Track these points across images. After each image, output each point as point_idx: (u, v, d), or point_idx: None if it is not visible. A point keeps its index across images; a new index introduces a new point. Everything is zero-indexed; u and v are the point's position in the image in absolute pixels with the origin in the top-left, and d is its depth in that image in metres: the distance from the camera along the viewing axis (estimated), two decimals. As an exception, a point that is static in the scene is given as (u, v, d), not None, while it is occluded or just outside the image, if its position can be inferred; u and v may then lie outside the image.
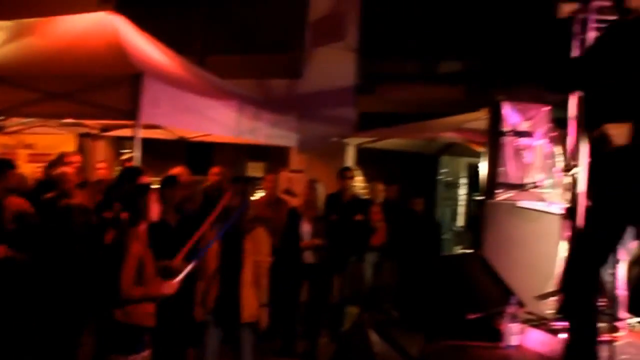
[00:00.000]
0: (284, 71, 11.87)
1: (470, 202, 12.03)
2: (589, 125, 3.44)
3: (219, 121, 7.83)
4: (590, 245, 3.36)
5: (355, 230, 7.95)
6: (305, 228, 7.66)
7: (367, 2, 11.54)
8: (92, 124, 9.44)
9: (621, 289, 5.19)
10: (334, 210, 7.90)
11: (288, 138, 9.77)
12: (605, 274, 5.20)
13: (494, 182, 6.02)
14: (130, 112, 6.43)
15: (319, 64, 11.54)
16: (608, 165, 3.23)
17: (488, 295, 5.52)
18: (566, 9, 3.36)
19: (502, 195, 6.07)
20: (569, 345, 3.47)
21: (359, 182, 9.18)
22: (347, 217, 7.93)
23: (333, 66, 11.39)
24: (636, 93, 3.17)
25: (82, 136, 10.44)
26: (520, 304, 5.15)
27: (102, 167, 8.97)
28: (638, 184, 3.15)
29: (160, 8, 12.10)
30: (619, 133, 3.05)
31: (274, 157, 11.28)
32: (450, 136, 8.64)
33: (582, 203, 4.16)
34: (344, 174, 8.32)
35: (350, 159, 10.69)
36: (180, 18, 12.37)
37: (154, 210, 4.82)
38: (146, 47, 7.77)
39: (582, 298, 3.35)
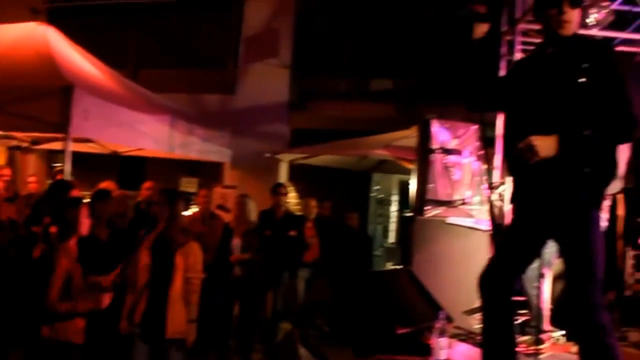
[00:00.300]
0: (218, 86, 11.87)
1: (401, 218, 12.20)
2: (509, 139, 3.56)
3: (151, 135, 7.77)
4: (510, 253, 3.46)
5: (289, 246, 7.99)
6: (236, 242, 7.66)
7: (301, 19, 11.66)
8: (22, 137, 9.19)
9: (545, 303, 5.38)
10: (268, 226, 7.93)
11: (221, 153, 9.77)
12: (530, 288, 5.40)
13: (423, 198, 6.14)
14: (61, 125, 6.33)
15: (253, 80, 11.59)
16: (532, 177, 3.35)
17: (417, 311, 5.62)
18: (479, 29, 3.49)
19: (431, 212, 6.20)
20: (483, 347, 3.56)
21: (292, 198, 9.22)
22: (280, 233, 7.96)
23: (266, 82, 11.45)
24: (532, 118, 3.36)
25: (12, 149, 10.17)
26: (449, 319, 5.26)
27: (33, 181, 8.77)
28: (563, 196, 3.27)
29: (93, 20, 11.96)
30: (544, 144, 3.16)
31: (207, 172, 11.22)
32: (381, 153, 8.77)
33: (508, 217, 4.31)
34: (277, 190, 8.36)
35: (283, 175, 10.74)
36: (113, 31, 12.24)
37: (84, 225, 4.76)
38: (78, 60, 7.66)
39: (497, 304, 3.43)
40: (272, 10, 11.70)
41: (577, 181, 3.22)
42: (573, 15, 3.33)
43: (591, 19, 6.71)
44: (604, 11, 6.64)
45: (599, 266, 3.22)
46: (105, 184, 7.35)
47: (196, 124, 8.91)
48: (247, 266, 7.63)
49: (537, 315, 5.33)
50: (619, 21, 7.17)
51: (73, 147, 6.57)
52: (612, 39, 6.70)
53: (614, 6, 6.78)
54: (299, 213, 9.01)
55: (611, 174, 3.31)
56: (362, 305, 5.67)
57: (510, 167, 3.61)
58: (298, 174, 10.99)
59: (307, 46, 11.63)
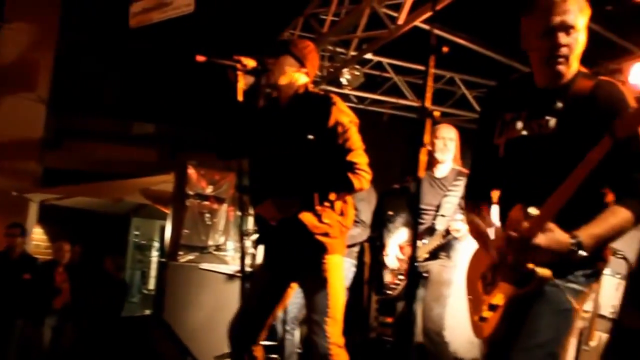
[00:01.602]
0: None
1: (158, 264, 12.00)
2: (252, 189, 3.67)
3: None
4: (255, 299, 3.52)
5: (26, 290, 7.44)
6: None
7: (64, 55, 11.18)
8: None
9: (296, 347, 5.54)
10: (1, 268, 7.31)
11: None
12: (284, 331, 5.54)
13: (177, 244, 6.13)
14: None
15: (3, 111, 10.80)
16: (271, 227, 3.48)
17: (165, 357, 5.54)
18: (245, 80, 3.57)
19: (184, 257, 6.18)
20: None
21: (41, 241, 8.68)
22: (14, 276, 7.37)
23: (19, 116, 10.70)
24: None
25: None
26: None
27: None
28: (297, 246, 3.41)
29: None
30: (282, 208, 3.32)
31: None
32: (138, 197, 8.62)
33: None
34: (9, 232, 7.71)
35: (33, 215, 10.08)
36: None
37: None
38: None
39: (243, 351, 3.47)
40: (32, 41, 11.06)
41: (311, 229, 3.38)
42: (277, 66, 3.47)
43: (344, 80, 7.24)
44: (356, 73, 7.19)
45: (336, 307, 3.38)
46: None
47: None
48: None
49: (290, 358, 5.47)
50: (370, 84, 7.80)
51: None
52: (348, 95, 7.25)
53: (365, 70, 7.37)
54: (49, 257, 8.48)
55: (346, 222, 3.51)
56: (111, 351, 5.48)
57: (256, 217, 3.71)
58: (51, 215, 10.39)
59: (68, 83, 11.16)
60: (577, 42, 2.36)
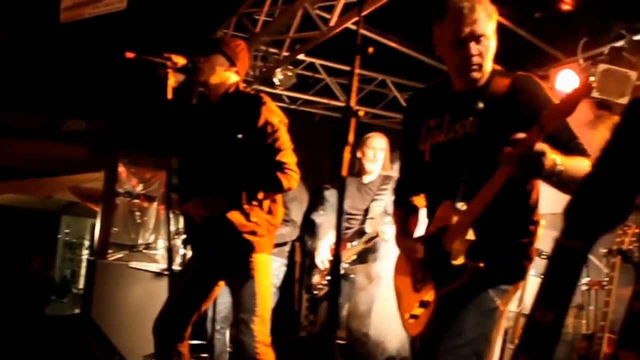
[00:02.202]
0: None
1: (87, 262, 11.80)
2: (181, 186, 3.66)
3: None
4: (181, 298, 3.51)
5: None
6: None
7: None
8: None
9: (226, 347, 5.54)
10: None
11: None
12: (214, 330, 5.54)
13: (107, 242, 6.06)
14: None
15: None
16: (198, 226, 3.49)
17: (92, 356, 5.48)
18: (175, 78, 3.55)
19: (113, 256, 6.12)
20: None
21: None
22: None
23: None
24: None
25: None
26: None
27: None
28: (222, 245, 3.43)
29: None
30: (208, 206, 3.35)
31: None
32: (68, 195, 8.47)
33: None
34: None
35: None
36: None
37: None
38: None
39: (167, 349, 3.46)
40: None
41: (238, 228, 3.41)
42: (208, 65, 3.49)
43: (276, 80, 7.27)
44: (288, 74, 7.23)
45: (264, 306, 3.41)
46: None
47: None
48: None
49: (219, 358, 5.47)
50: (303, 84, 7.83)
51: None
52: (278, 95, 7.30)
53: (297, 70, 7.41)
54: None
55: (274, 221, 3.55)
56: (35, 351, 5.38)
57: (184, 215, 3.71)
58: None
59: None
60: (488, 48, 2.41)
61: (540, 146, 2.04)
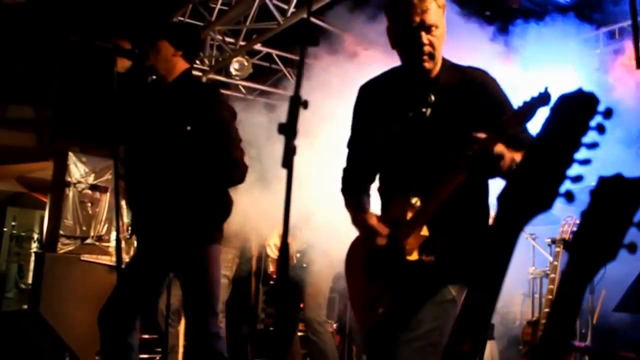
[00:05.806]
0: None
1: (36, 255, 11.50)
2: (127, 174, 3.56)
3: None
4: (128, 289, 3.40)
5: None
6: None
7: None
8: None
9: (179, 340, 5.46)
10: None
11: None
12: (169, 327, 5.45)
13: (56, 234, 5.90)
14: None
15: None
16: (148, 213, 3.40)
17: (41, 353, 5.34)
18: (122, 64, 3.45)
19: (64, 248, 5.96)
20: None
21: None
22: None
23: None
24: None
25: None
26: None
27: None
28: (175, 233, 3.35)
29: None
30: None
31: None
32: (14, 185, 8.23)
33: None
34: None
35: None
36: None
37: None
38: None
39: (113, 342, 3.36)
40: None
41: (187, 220, 3.33)
42: (154, 50, 3.43)
43: (233, 70, 7.17)
44: (245, 64, 7.13)
45: (215, 298, 3.36)
46: None
47: None
48: None
49: (172, 351, 5.39)
50: (259, 74, 7.76)
51: None
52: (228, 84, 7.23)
53: (254, 60, 7.33)
54: None
55: (223, 213, 3.48)
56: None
57: (129, 201, 3.62)
58: None
59: None
60: (439, 38, 2.42)
61: (499, 148, 2.11)
